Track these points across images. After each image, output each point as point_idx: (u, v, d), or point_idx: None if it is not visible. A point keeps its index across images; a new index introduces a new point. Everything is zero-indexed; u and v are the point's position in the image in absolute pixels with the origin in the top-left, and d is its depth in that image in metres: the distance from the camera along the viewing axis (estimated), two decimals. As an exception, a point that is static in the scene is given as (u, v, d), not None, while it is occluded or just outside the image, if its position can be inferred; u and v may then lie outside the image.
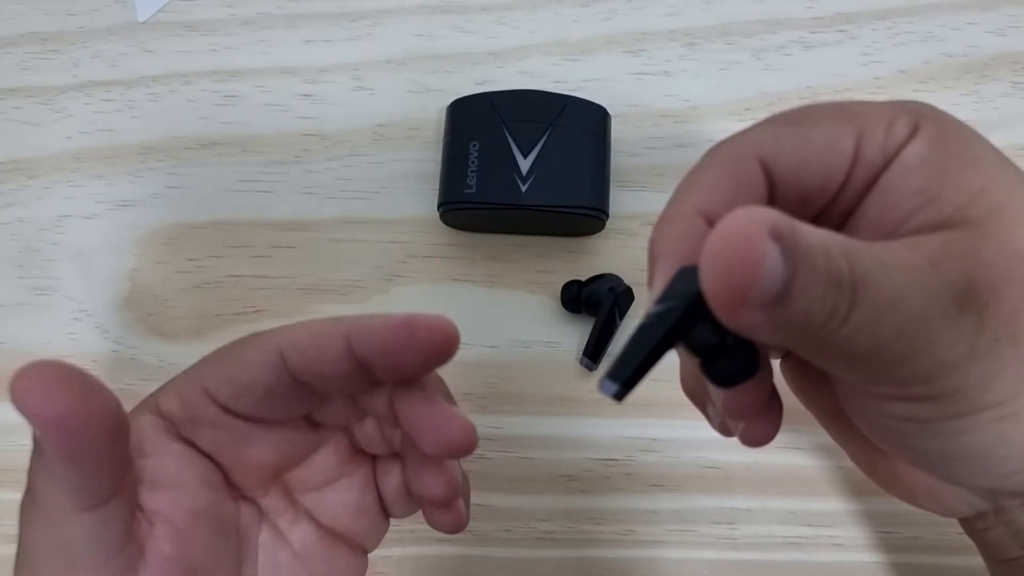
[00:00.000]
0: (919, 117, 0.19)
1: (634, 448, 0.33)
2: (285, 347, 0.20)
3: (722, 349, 0.17)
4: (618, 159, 0.35)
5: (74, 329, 0.36)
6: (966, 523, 0.23)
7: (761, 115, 0.36)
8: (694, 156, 0.36)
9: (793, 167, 0.19)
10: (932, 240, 0.17)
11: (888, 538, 0.32)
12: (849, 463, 0.25)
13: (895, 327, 0.15)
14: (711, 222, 0.19)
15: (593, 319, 0.33)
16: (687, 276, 0.16)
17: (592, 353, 0.33)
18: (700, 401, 0.23)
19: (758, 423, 0.20)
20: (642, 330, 0.17)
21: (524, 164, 0.32)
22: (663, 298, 0.17)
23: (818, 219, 0.21)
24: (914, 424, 0.18)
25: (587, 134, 0.32)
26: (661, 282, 0.19)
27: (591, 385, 0.34)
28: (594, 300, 0.33)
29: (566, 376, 0.34)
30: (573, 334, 0.34)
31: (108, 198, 0.37)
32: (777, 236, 0.13)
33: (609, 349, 0.33)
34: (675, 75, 0.37)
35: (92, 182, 0.38)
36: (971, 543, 0.23)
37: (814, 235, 0.14)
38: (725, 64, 0.37)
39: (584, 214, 0.32)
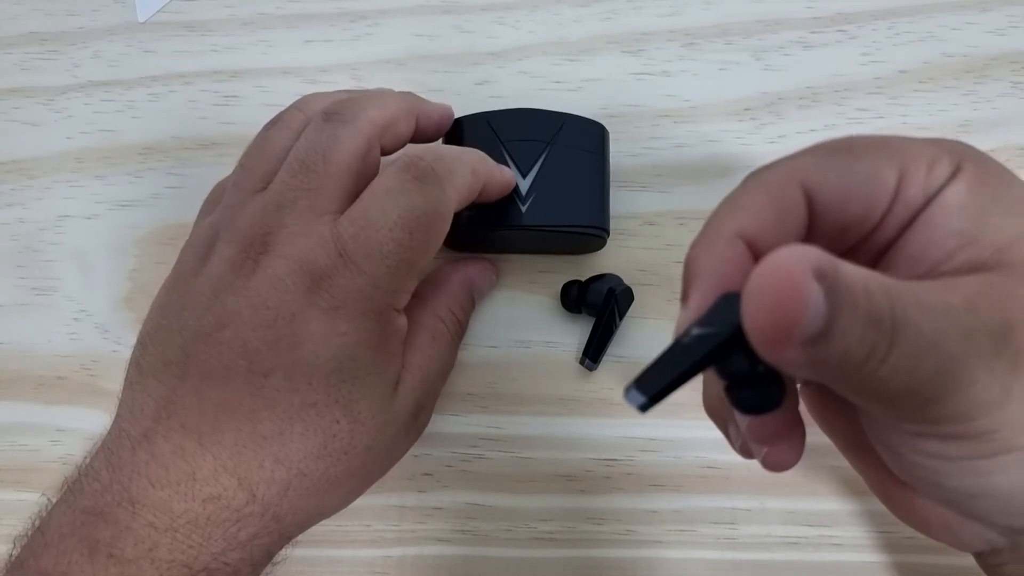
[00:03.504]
0: (961, 158, 0.19)
1: (634, 448, 0.33)
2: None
3: (751, 378, 0.17)
4: (618, 159, 0.35)
5: (74, 329, 0.36)
6: (980, 557, 0.23)
7: (761, 115, 0.36)
8: (694, 156, 0.36)
9: (835, 197, 0.19)
10: (970, 282, 0.17)
11: (888, 538, 0.32)
12: (848, 463, 0.25)
13: (933, 368, 0.15)
14: (751, 246, 0.20)
15: (593, 319, 0.33)
16: (729, 303, 0.17)
17: (592, 353, 0.33)
18: (722, 422, 0.23)
19: (781, 448, 0.20)
20: (678, 348, 0.17)
21: (524, 184, 0.31)
22: (703, 322, 0.17)
23: (854, 250, 0.21)
24: (944, 461, 0.18)
25: (585, 152, 0.32)
26: (697, 300, 0.19)
27: (591, 385, 0.34)
28: (594, 300, 0.33)
29: (566, 376, 0.34)
30: (573, 334, 0.34)
31: (108, 198, 0.37)
32: (820, 276, 0.14)
33: (609, 349, 0.33)
34: (675, 75, 0.37)
35: (92, 182, 0.38)
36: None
37: (856, 274, 0.14)
38: (725, 64, 0.37)
39: (586, 232, 0.32)
